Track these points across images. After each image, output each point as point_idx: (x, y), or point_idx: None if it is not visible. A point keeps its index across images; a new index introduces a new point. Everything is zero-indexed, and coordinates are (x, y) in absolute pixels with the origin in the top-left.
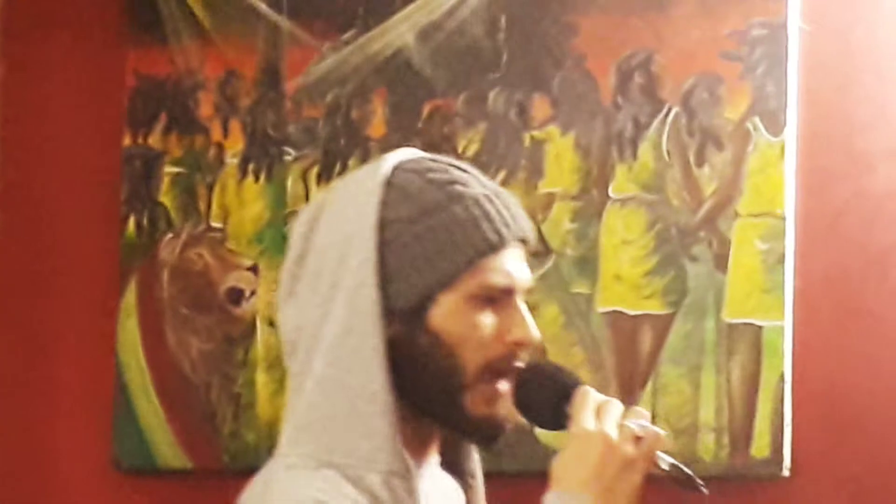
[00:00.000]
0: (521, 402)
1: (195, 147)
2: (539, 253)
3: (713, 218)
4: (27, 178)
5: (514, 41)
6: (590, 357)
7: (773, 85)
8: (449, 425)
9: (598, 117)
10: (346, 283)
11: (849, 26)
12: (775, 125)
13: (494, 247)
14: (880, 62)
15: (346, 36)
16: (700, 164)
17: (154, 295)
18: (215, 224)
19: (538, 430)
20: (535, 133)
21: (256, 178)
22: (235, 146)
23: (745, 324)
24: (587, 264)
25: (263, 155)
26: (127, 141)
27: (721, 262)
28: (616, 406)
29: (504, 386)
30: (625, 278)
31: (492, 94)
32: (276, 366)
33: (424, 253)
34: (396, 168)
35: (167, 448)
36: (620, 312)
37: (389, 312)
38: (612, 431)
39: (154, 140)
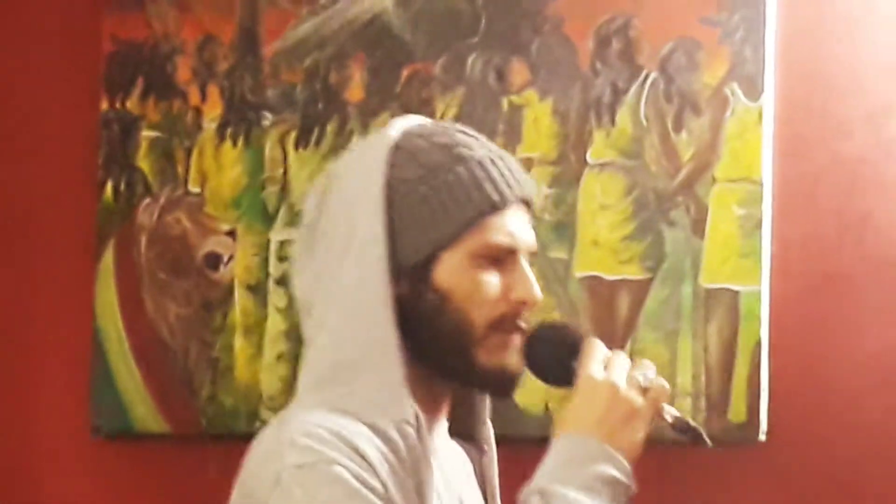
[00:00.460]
0: (531, 359)
1: (173, 111)
2: None
3: (691, 183)
4: (4, 144)
5: (492, 6)
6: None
7: (751, 50)
8: (463, 380)
9: (577, 82)
10: (357, 241)
11: None
12: (753, 91)
13: (496, 206)
14: (858, 29)
15: (325, 0)
16: (678, 129)
17: (132, 260)
18: (193, 189)
19: (518, 396)
20: (514, 98)
21: (234, 143)
22: (213, 111)
23: (723, 289)
24: (565, 229)
25: (241, 119)
26: (104, 105)
27: (698, 227)
28: (624, 358)
29: (515, 339)
30: (602, 243)
31: (470, 59)
32: (254, 331)
33: (429, 212)
34: (404, 133)
35: (145, 413)
36: (598, 277)
37: (397, 271)
38: (620, 381)
39: (131, 104)
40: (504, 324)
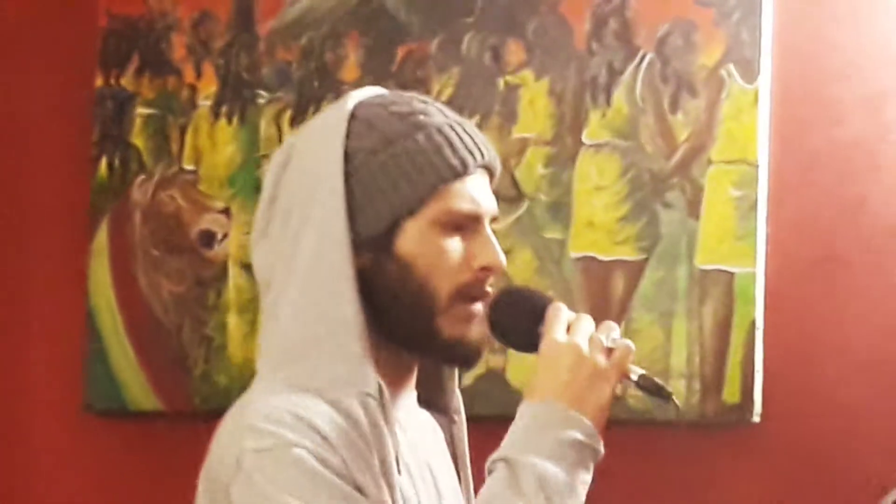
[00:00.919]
0: (495, 325)
1: (168, 88)
2: (512, 198)
3: (686, 164)
4: None
5: None
6: (562, 302)
7: (747, 32)
8: (426, 351)
9: (573, 63)
10: (316, 215)
11: None
12: (749, 72)
13: (457, 173)
14: (854, 11)
15: None
16: (674, 110)
17: (126, 237)
18: (187, 166)
19: (510, 374)
20: (509, 78)
21: (229, 121)
22: (208, 88)
23: (718, 270)
24: (560, 210)
25: (236, 97)
26: (99, 82)
27: (694, 208)
28: (587, 320)
29: (478, 308)
30: (598, 224)
31: (466, 39)
32: (248, 308)
33: (389, 181)
34: (360, 103)
35: (138, 390)
36: (593, 258)
37: (358, 241)
38: (583, 343)
39: (126, 81)
40: (469, 291)
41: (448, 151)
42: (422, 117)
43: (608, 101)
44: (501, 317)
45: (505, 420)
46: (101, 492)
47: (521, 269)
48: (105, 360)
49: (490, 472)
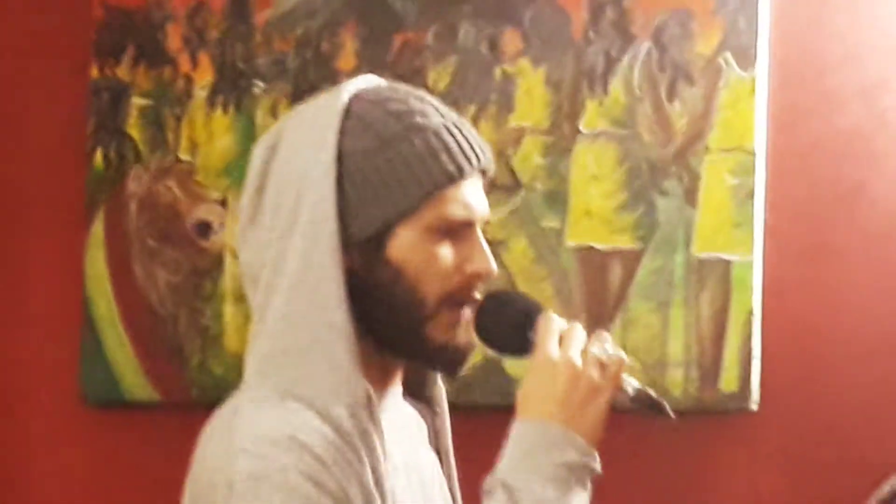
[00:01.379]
0: (483, 329)
1: (163, 79)
2: (509, 187)
3: (684, 153)
4: None
5: None
6: (559, 292)
7: (744, 20)
8: (412, 356)
9: (570, 52)
10: (305, 216)
11: None
12: (747, 60)
13: (453, 178)
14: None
15: None
16: (671, 99)
17: (122, 227)
18: (184, 157)
19: (506, 364)
20: (506, 67)
21: (225, 111)
22: (204, 78)
23: (715, 259)
24: (557, 199)
25: (232, 88)
26: (94, 73)
27: (691, 197)
28: (580, 332)
29: (466, 313)
30: (595, 213)
31: (462, 28)
32: (244, 299)
33: (383, 185)
34: (355, 97)
35: (135, 381)
36: (590, 247)
37: (348, 244)
38: (577, 358)
39: (122, 72)
40: (457, 296)
41: (444, 157)
42: (419, 118)
43: (605, 90)
44: (489, 322)
45: (502, 409)
46: (98, 482)
47: (518, 259)
48: (101, 351)
49: (487, 492)
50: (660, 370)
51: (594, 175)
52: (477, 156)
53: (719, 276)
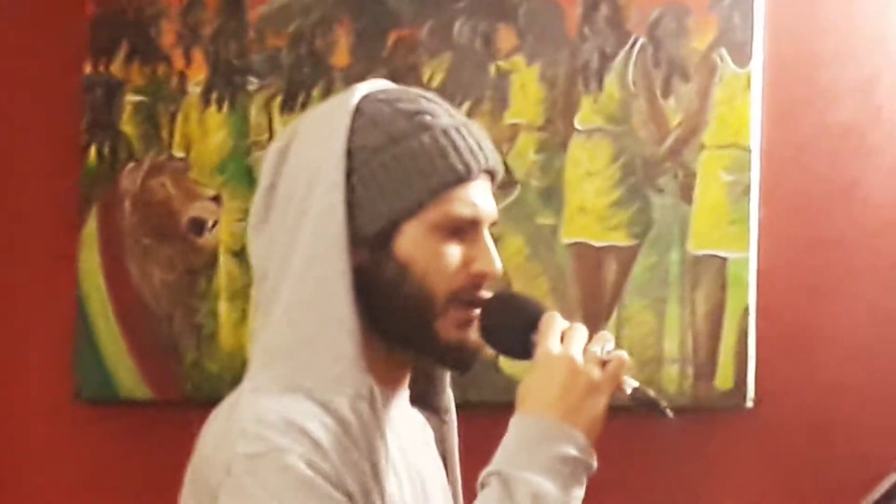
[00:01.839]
0: (488, 331)
1: (157, 76)
2: (504, 184)
3: (679, 149)
4: None
5: None
6: (554, 288)
7: (739, 16)
8: (423, 352)
9: (564, 48)
10: (314, 210)
11: None
12: (742, 56)
13: (461, 177)
14: None
15: None
16: (666, 95)
17: (116, 225)
18: (178, 153)
19: (502, 361)
20: (501, 63)
21: (219, 108)
22: (198, 75)
23: (710, 255)
24: (552, 195)
25: (226, 84)
26: (88, 69)
27: (686, 193)
28: (581, 331)
29: (475, 312)
30: (590, 210)
31: (457, 24)
32: (239, 296)
33: (391, 181)
34: (366, 97)
35: (129, 379)
36: (585, 244)
37: (356, 240)
38: (577, 355)
39: (116, 68)
40: (464, 296)
41: (452, 155)
42: (427, 118)
43: (600, 87)
44: (494, 324)
45: (497, 407)
46: (92, 480)
47: (513, 256)
48: (95, 349)
49: (483, 485)
50: (655, 367)
51: (589, 171)
52: (486, 157)
53: (715, 272)
